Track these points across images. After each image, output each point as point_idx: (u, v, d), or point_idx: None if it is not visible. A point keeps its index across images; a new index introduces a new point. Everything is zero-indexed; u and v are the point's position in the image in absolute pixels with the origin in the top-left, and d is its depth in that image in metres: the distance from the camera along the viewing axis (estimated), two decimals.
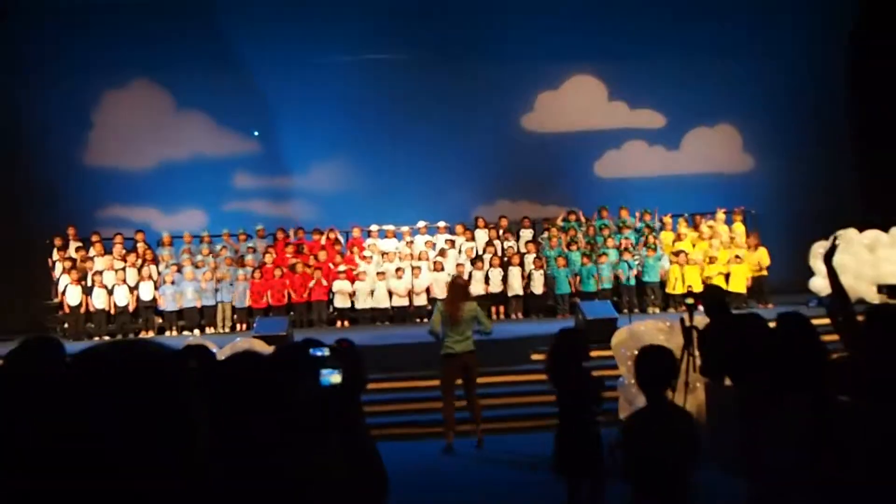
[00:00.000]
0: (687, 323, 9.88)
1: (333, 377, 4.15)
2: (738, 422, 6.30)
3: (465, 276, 16.93)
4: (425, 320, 17.92)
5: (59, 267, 18.19)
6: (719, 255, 18.28)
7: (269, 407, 2.76)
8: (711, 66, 21.50)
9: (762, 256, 18.51)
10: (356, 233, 19.68)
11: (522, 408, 12.53)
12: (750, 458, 6.08)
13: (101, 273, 17.76)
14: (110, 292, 17.69)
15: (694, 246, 18.80)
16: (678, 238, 18.93)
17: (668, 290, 18.33)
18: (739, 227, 19.30)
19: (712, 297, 7.11)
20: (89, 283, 17.62)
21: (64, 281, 17.78)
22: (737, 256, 18.13)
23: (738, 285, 18.06)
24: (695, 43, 21.21)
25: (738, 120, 22.43)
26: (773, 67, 21.44)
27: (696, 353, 9.89)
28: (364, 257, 18.91)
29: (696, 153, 22.34)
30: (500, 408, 12.38)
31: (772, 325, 6.20)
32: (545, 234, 19.32)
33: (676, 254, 18.25)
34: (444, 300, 11.38)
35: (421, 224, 19.76)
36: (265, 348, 10.60)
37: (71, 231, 19.11)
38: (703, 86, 21.58)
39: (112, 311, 17.79)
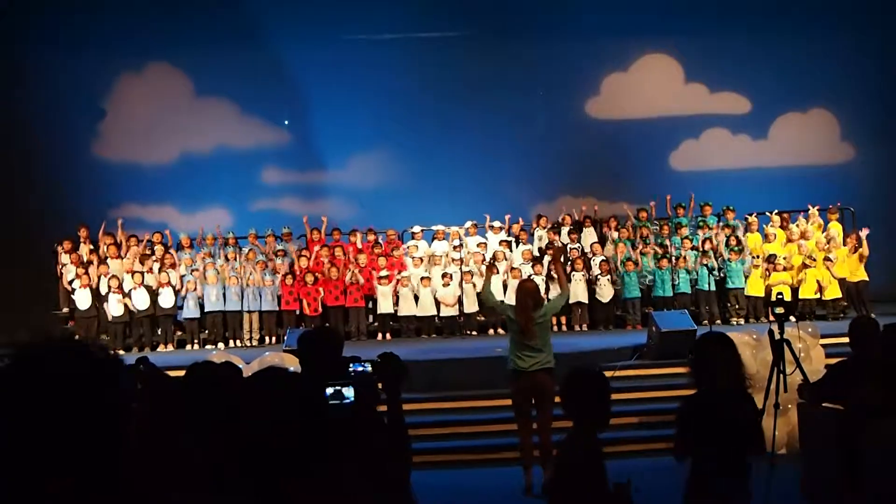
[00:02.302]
0: (776, 335, 9.77)
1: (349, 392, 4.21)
2: (836, 448, 6.25)
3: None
4: (474, 333, 17.92)
5: (69, 271, 18.30)
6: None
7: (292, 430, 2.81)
8: (803, 42, 21.20)
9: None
10: (392, 234, 19.69)
11: None
12: (852, 487, 6.03)
13: (117, 278, 17.86)
14: (127, 298, 17.77)
15: (785, 246, 18.56)
16: (766, 239, 18.70)
17: (749, 292, 18.14)
18: (836, 227, 19.01)
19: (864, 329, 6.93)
20: (104, 290, 17.75)
21: (76, 287, 17.90)
22: (827, 259, 17.84)
23: (833, 292, 17.83)
24: (783, 16, 20.97)
25: (836, 104, 22.10)
26: (874, 42, 21.13)
27: (788, 370, 9.79)
28: (410, 260, 18.87)
29: (787, 142, 22.08)
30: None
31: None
32: (614, 236, 19.20)
33: (769, 259, 17.99)
34: (515, 308, 10.40)
35: (469, 224, 19.66)
36: (296, 364, 10.68)
37: (82, 232, 19.17)
38: (793, 65, 21.35)
39: (131, 321, 17.92)
